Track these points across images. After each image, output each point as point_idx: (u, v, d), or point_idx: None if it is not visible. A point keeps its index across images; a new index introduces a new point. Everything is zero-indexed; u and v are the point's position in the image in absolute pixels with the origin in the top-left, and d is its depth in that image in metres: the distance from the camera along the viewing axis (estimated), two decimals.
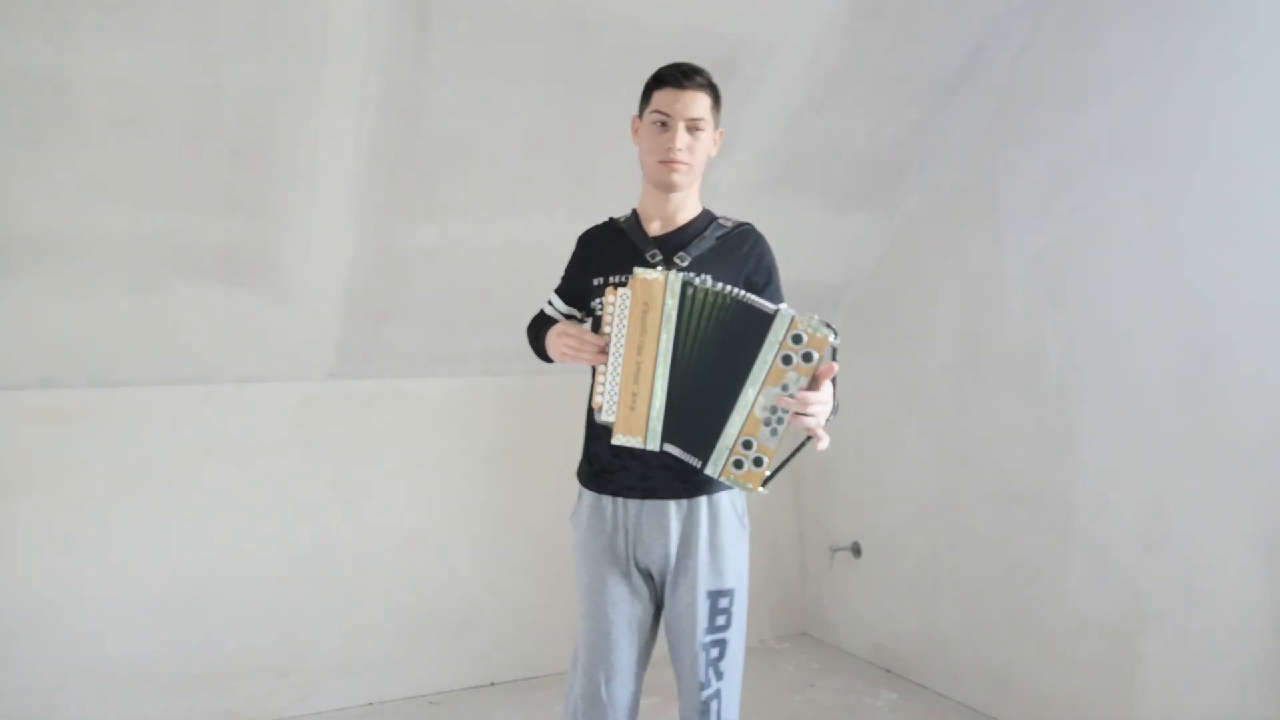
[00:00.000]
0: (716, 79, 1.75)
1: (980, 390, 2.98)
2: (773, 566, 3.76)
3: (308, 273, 2.75)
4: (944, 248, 3.13)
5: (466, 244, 2.86)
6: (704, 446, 1.57)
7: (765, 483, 1.55)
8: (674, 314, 1.54)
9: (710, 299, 1.55)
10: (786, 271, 1.82)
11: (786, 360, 1.50)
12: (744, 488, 1.56)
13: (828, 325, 1.49)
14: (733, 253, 1.74)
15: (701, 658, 1.70)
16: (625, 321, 1.56)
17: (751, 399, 1.53)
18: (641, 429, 1.58)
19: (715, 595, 1.71)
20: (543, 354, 1.84)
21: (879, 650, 3.41)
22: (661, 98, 1.70)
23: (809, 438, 1.56)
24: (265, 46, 2.26)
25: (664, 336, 1.55)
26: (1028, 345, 2.80)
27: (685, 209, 1.78)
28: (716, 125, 1.76)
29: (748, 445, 1.54)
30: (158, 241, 2.53)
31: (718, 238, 1.75)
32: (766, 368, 1.52)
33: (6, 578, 2.68)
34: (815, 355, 1.50)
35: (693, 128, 1.69)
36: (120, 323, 2.65)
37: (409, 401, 3.20)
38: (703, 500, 1.72)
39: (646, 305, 1.55)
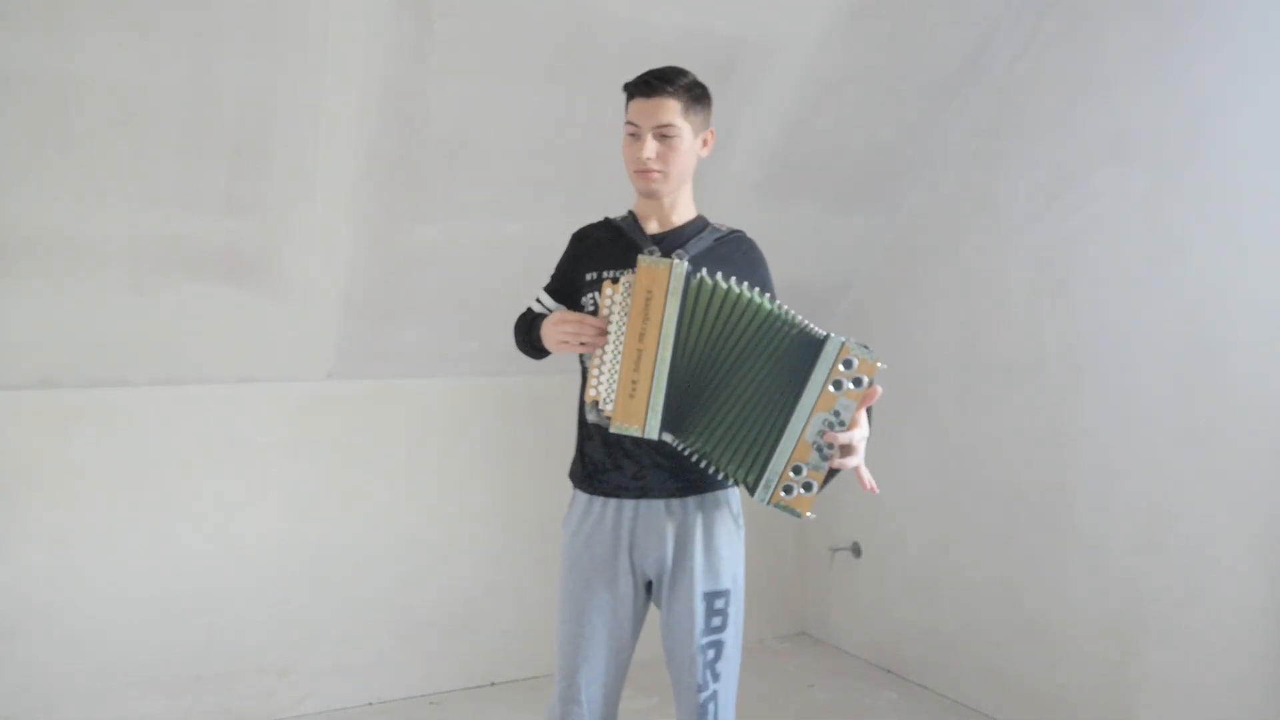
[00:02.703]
0: (716, 79, 1.74)
1: (980, 390, 2.98)
2: (773, 566, 3.75)
3: (308, 273, 2.75)
4: (944, 248, 3.13)
5: (466, 244, 2.85)
6: (750, 470, 1.56)
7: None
8: (678, 302, 1.53)
9: (721, 294, 1.55)
10: (786, 271, 1.82)
11: (837, 385, 1.50)
12: (793, 513, 1.56)
13: (865, 347, 1.49)
14: (728, 258, 1.73)
15: (699, 660, 1.69)
16: (627, 309, 1.55)
17: (802, 425, 1.52)
18: (640, 417, 1.55)
19: (711, 596, 1.70)
20: (532, 350, 1.82)
21: (879, 650, 3.41)
22: (632, 108, 1.71)
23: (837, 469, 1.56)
24: (265, 46, 2.26)
25: (666, 324, 1.53)
26: (1028, 345, 2.80)
27: (679, 210, 1.78)
28: (702, 127, 1.74)
29: (797, 471, 1.53)
30: (158, 241, 2.53)
31: (715, 240, 1.76)
32: (817, 393, 1.50)
33: (6, 578, 2.68)
34: (865, 380, 1.50)
35: (661, 135, 1.68)
36: (120, 323, 2.65)
37: (409, 401, 3.20)
38: (697, 500, 1.72)
39: (650, 293, 1.53)
